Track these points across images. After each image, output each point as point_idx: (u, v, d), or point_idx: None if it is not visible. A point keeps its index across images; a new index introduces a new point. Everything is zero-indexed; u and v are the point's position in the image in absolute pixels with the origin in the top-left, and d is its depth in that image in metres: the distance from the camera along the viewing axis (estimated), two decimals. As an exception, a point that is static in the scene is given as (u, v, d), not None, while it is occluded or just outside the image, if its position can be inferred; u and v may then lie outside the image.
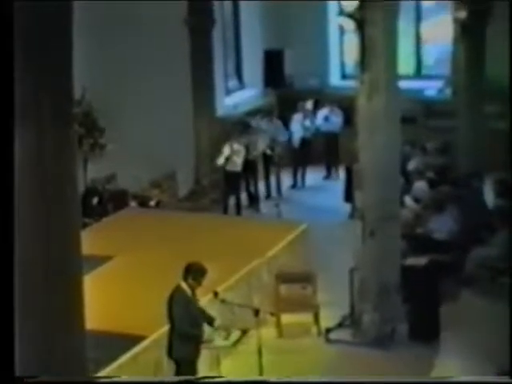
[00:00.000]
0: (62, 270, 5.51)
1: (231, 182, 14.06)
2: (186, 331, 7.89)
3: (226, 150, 13.96)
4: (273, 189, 15.19)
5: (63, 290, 5.51)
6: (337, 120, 15.91)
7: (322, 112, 16.15)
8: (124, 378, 7.25)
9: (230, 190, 14.16)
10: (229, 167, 14.00)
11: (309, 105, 16.15)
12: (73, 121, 5.70)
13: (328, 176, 16.18)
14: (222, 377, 7.74)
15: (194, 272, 7.98)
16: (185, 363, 7.92)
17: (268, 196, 15.10)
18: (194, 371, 7.89)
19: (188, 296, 7.99)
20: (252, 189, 14.71)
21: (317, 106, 16.38)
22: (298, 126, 15.78)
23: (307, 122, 15.84)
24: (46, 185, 5.43)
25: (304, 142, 15.77)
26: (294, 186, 15.76)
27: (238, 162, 14.03)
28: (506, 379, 6.85)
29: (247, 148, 14.28)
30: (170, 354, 8.04)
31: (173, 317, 7.94)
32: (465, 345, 9.57)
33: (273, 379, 6.90)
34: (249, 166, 14.38)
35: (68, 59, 5.49)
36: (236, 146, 14.06)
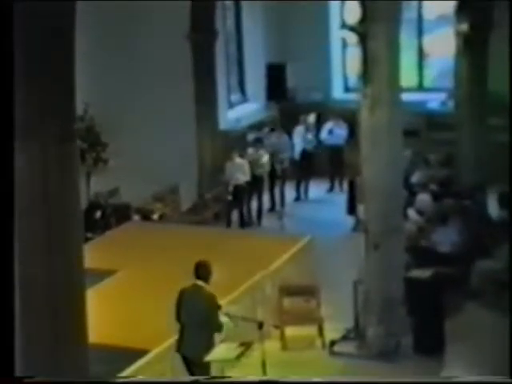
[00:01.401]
0: (65, 285, 5.50)
1: (235, 195, 14.08)
2: (218, 323, 8.03)
3: (229, 168, 14.00)
4: (276, 202, 15.19)
5: (66, 304, 5.50)
6: (341, 133, 15.91)
7: (327, 125, 16.16)
8: (124, 379, 7.22)
9: (233, 204, 14.18)
10: (232, 182, 14.04)
11: (311, 118, 16.17)
12: (75, 136, 5.71)
13: (331, 189, 16.17)
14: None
15: (206, 270, 8.25)
16: (201, 363, 7.87)
17: (272, 209, 15.09)
18: (208, 371, 7.95)
19: (209, 290, 8.13)
20: (255, 204, 14.66)
21: (319, 119, 16.39)
22: (300, 139, 15.79)
23: (309, 135, 15.85)
24: (48, 200, 5.44)
25: (305, 154, 15.76)
26: (297, 199, 15.75)
27: (240, 177, 14.05)
28: (506, 379, 6.82)
29: (252, 164, 14.29)
30: (182, 351, 8.08)
31: (198, 313, 8.00)
32: (470, 357, 9.53)
33: (282, 379, 6.89)
34: (255, 181, 14.34)
35: (70, 75, 5.51)
36: (238, 161, 14.08)
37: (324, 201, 15.71)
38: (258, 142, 14.90)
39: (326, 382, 7.48)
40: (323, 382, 7.46)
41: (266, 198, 15.03)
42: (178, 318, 8.22)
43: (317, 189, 16.07)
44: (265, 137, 15.40)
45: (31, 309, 5.37)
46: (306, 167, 15.74)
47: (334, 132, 15.99)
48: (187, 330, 8.11)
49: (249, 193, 14.43)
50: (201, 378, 7.26)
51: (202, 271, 8.25)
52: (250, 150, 14.60)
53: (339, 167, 15.82)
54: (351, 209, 13.77)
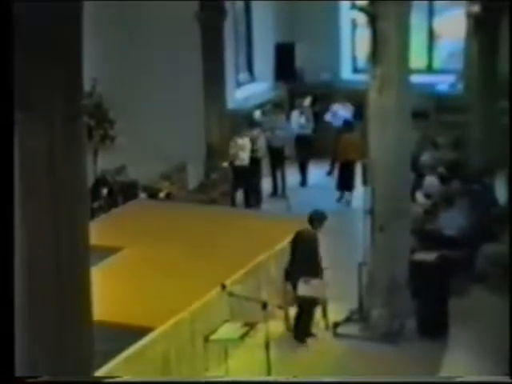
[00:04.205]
0: (70, 262, 5.50)
1: (239, 176, 14.02)
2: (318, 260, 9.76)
3: (232, 148, 13.93)
4: (279, 186, 15.09)
5: (71, 281, 5.51)
6: (346, 115, 15.80)
7: (333, 107, 16.07)
8: (125, 378, 7.25)
9: (238, 185, 14.13)
10: (236, 162, 13.97)
11: (306, 102, 16.01)
12: (83, 113, 5.68)
13: (331, 172, 15.92)
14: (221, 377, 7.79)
15: (317, 216, 9.83)
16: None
17: (274, 193, 14.99)
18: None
19: (312, 232, 9.84)
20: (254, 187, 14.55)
21: (314, 103, 16.25)
22: (295, 124, 15.68)
23: (302, 120, 15.66)
24: (54, 177, 5.42)
25: (299, 139, 15.61)
26: (302, 182, 15.63)
27: (244, 157, 13.98)
28: (506, 379, 6.83)
29: (252, 143, 14.23)
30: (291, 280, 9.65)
31: (303, 251, 9.72)
32: (474, 341, 9.55)
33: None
34: (253, 164, 14.21)
35: (78, 51, 5.48)
36: (240, 141, 14.01)
37: (327, 184, 15.59)
38: (254, 124, 14.75)
39: (326, 382, 7.52)
40: (322, 382, 7.50)
41: (267, 181, 14.95)
42: (293, 254, 9.77)
43: (322, 171, 15.99)
44: (265, 113, 15.28)
45: (36, 286, 5.39)
46: (303, 152, 15.60)
47: (339, 114, 15.88)
48: (296, 264, 9.70)
49: (252, 174, 14.31)
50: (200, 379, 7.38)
51: (313, 217, 9.76)
52: (249, 132, 14.48)
53: None
54: (341, 185, 14.55)
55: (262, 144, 14.59)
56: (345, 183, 14.54)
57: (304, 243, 9.76)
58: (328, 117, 16.04)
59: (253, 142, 14.29)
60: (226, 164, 14.10)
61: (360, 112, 14.91)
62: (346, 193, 14.56)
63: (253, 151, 14.25)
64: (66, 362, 5.45)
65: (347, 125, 15.07)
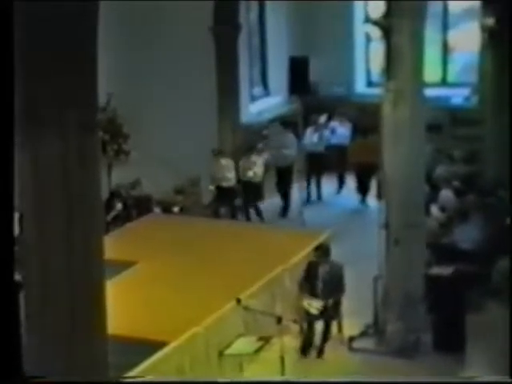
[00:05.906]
0: (85, 277, 5.51)
1: (224, 197, 13.84)
2: None
3: (218, 169, 13.81)
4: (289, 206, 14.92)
5: (85, 295, 5.52)
6: (344, 132, 15.72)
7: (331, 124, 15.97)
8: (134, 379, 7.24)
9: (222, 206, 13.93)
10: (223, 184, 13.83)
11: (322, 119, 15.90)
12: (97, 128, 5.70)
13: (340, 189, 15.76)
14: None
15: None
16: None
17: (283, 213, 14.64)
18: None
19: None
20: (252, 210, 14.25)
21: (330, 119, 16.19)
22: (308, 141, 15.57)
23: (315, 137, 15.48)
24: (69, 191, 5.44)
25: (310, 156, 15.37)
26: (307, 200, 15.26)
27: (231, 177, 13.83)
28: (506, 379, 6.76)
29: (244, 169, 14.00)
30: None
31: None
32: (490, 356, 9.46)
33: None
34: (246, 186, 13.99)
35: (92, 65, 5.50)
36: (224, 162, 13.85)
37: (339, 199, 15.48)
38: (260, 150, 14.57)
39: (326, 382, 7.46)
40: (324, 383, 7.44)
41: (276, 200, 14.81)
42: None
43: (334, 187, 15.92)
44: (272, 133, 15.19)
45: (49, 300, 5.39)
46: (313, 169, 15.39)
47: (337, 132, 15.80)
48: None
49: (243, 196, 14.05)
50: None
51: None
52: (245, 159, 14.20)
53: (343, 166, 15.53)
54: (360, 188, 14.90)
55: (258, 169, 14.17)
56: (361, 186, 14.82)
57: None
58: (326, 134, 15.91)
59: (247, 166, 14.08)
60: (212, 187, 13.96)
61: (357, 129, 15.17)
62: (365, 196, 14.78)
63: (249, 176, 14.03)
64: (79, 374, 5.45)
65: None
